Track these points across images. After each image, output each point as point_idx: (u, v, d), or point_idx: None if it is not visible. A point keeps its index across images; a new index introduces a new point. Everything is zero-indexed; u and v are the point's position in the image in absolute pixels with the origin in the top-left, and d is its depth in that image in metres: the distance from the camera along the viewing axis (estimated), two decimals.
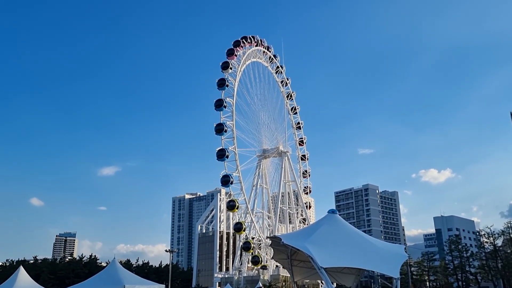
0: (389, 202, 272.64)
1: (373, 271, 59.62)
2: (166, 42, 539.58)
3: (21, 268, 56.10)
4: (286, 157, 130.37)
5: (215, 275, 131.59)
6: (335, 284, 55.90)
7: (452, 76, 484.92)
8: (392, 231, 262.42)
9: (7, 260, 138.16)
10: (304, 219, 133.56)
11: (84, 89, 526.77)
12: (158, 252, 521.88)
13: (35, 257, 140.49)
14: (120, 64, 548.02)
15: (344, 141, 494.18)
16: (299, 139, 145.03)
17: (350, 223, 50.13)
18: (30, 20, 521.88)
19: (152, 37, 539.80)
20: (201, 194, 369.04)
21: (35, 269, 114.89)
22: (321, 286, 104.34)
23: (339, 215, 40.62)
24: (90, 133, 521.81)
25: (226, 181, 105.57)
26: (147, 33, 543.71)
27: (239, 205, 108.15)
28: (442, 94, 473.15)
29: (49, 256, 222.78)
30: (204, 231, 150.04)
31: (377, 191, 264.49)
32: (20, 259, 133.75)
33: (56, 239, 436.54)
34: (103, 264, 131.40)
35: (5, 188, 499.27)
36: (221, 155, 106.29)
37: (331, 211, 39.98)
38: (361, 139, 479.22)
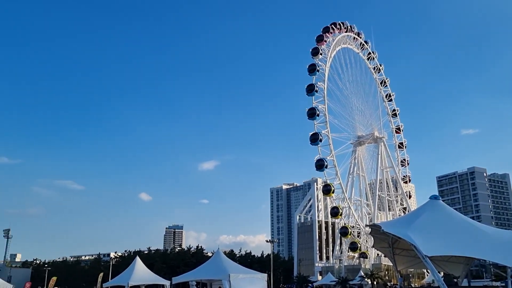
0: (500, 185, 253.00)
1: (485, 260, 56.02)
2: (255, 34, 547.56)
3: (138, 258, 61.93)
4: (382, 143, 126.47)
5: (316, 264, 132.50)
6: (442, 273, 53.55)
7: None
8: (504, 216, 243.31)
9: (125, 251, 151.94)
10: (405, 208, 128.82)
11: (182, 87, 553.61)
12: (259, 242, 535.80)
13: (149, 248, 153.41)
14: (220, 60, 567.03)
15: (444, 122, 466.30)
16: (396, 126, 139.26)
17: (455, 209, 47.59)
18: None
19: (244, 26, 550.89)
20: (297, 184, 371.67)
21: (149, 258, 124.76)
22: (427, 275, 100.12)
23: (443, 201, 38.84)
24: (188, 130, 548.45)
25: (320, 165, 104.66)
26: (239, 21, 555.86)
27: (334, 189, 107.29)
28: None
29: (161, 247, 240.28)
30: (302, 221, 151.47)
31: (484, 174, 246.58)
32: (136, 250, 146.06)
33: (166, 231, 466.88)
34: (209, 254, 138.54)
35: (117, 184, 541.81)
36: (315, 139, 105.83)
37: (434, 197, 38.45)
38: (464, 118, 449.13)
